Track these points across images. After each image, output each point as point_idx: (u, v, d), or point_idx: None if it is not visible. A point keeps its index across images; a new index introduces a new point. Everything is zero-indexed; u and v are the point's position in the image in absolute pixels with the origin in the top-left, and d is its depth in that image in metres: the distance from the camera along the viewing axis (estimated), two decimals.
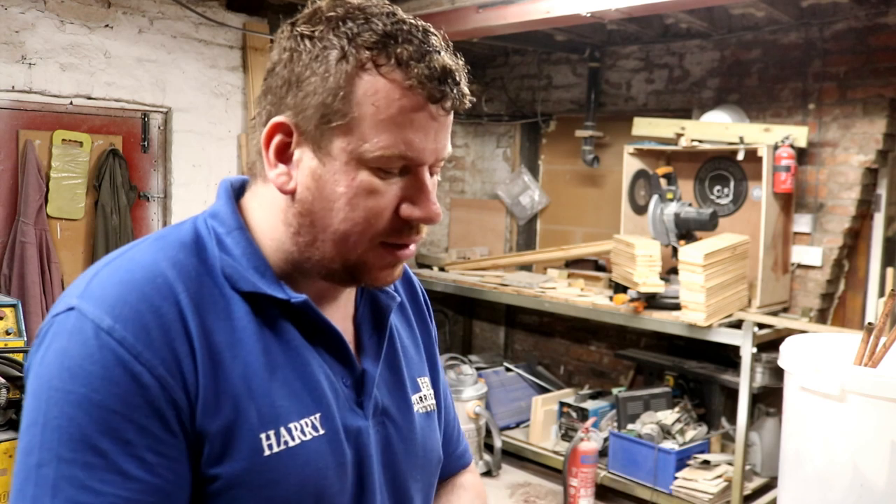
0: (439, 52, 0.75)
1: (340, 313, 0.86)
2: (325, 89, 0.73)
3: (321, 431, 0.77)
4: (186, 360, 0.71)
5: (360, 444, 0.82)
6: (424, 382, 0.95)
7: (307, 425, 0.76)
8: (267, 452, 0.73)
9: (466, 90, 0.78)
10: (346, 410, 0.81)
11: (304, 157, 0.76)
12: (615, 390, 4.08)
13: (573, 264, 4.59)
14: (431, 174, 0.79)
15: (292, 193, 0.77)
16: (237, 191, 0.84)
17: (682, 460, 3.53)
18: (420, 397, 0.93)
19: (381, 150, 0.73)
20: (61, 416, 0.67)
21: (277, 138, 0.77)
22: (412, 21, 0.76)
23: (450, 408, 1.07)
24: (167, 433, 0.69)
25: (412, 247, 0.80)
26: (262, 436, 0.73)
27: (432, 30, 0.77)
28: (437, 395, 0.98)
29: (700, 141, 3.77)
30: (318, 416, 0.78)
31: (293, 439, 0.75)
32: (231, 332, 0.75)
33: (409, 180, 0.77)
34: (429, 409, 0.94)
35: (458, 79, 0.76)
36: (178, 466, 0.70)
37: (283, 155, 0.77)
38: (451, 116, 0.78)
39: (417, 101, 0.73)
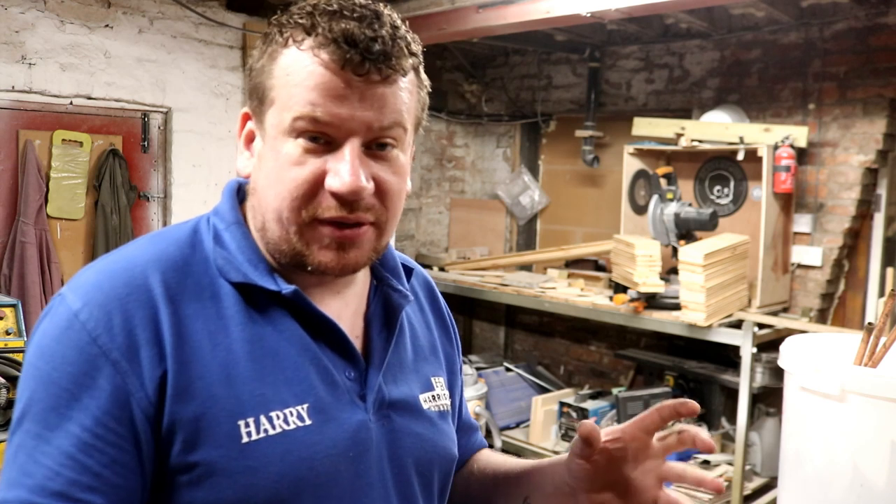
0: (357, 20, 0.74)
1: (348, 308, 0.87)
2: (256, 71, 0.80)
3: (308, 422, 0.77)
4: (147, 346, 0.73)
5: (359, 437, 0.81)
6: (439, 382, 0.95)
7: (292, 414, 0.76)
8: (245, 440, 0.73)
9: (398, 56, 0.75)
10: (345, 403, 0.81)
11: (258, 141, 0.81)
12: (615, 390, 4.08)
13: (573, 264, 4.59)
14: (383, 147, 0.77)
15: (249, 177, 0.83)
16: (245, 192, 0.87)
17: (681, 460, 3.53)
18: (433, 396, 0.92)
19: (294, 111, 0.75)
20: (28, 389, 0.73)
21: (247, 127, 0.83)
22: (353, 1, 0.77)
23: (465, 407, 1.09)
24: (109, 417, 0.71)
25: (362, 228, 0.78)
26: (241, 423, 0.74)
27: (371, 6, 0.77)
28: (452, 398, 0.98)
29: (700, 141, 3.77)
30: (305, 406, 0.78)
31: (273, 428, 0.75)
32: (215, 321, 0.76)
33: (335, 152, 0.76)
34: (442, 409, 0.93)
35: (380, 45, 0.74)
36: (115, 451, 0.71)
37: (252, 143, 0.83)
38: (391, 86, 0.76)
39: (328, 67, 0.74)
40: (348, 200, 0.76)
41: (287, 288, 0.79)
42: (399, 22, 0.78)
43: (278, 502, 0.74)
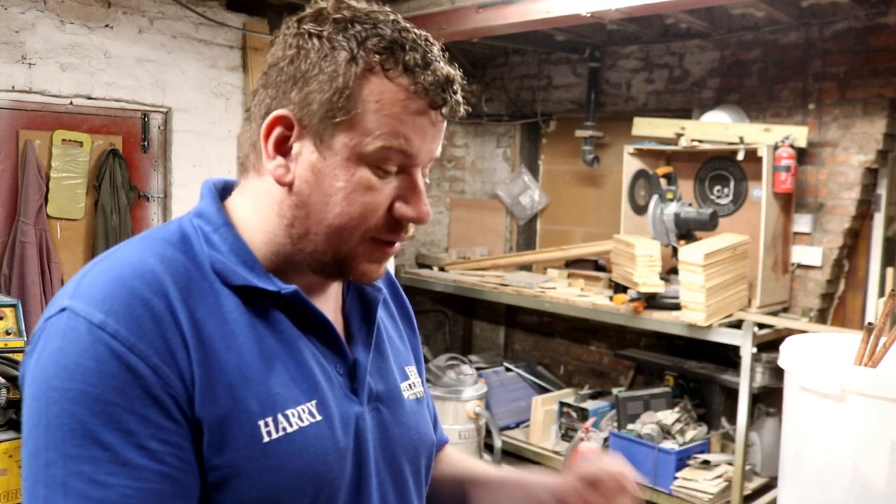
0: (440, 62, 0.79)
1: (330, 305, 0.89)
2: (333, 88, 0.76)
3: (318, 418, 0.79)
4: (179, 349, 0.72)
5: (359, 429, 0.84)
6: (412, 371, 0.99)
7: (304, 412, 0.78)
8: (266, 439, 0.74)
9: (461, 99, 0.81)
10: (341, 398, 0.83)
11: (303, 150, 0.78)
12: (615, 390, 4.08)
13: (573, 264, 4.59)
14: (423, 176, 0.83)
15: (289, 185, 0.79)
16: (220, 191, 0.86)
17: (682, 460, 3.53)
18: (409, 384, 0.96)
19: (381, 142, 0.76)
20: (62, 414, 0.68)
21: (277, 131, 0.78)
22: (415, 30, 0.79)
23: (429, 399, 1.12)
24: (169, 420, 0.70)
25: (398, 244, 0.84)
26: (261, 423, 0.74)
27: (432, 39, 0.81)
28: (423, 384, 1.02)
29: (700, 141, 3.77)
30: (314, 402, 0.79)
31: (291, 426, 0.76)
32: (223, 324, 0.76)
33: (404, 180, 0.80)
34: (418, 396, 0.97)
35: (456, 88, 0.80)
36: (183, 453, 0.71)
37: (282, 147, 0.79)
38: (445, 122, 0.82)
39: (420, 105, 0.77)
40: (411, 225, 0.82)
41: (286, 288, 0.80)
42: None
43: (299, 499, 0.76)
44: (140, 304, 0.72)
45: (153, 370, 0.70)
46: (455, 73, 0.79)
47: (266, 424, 0.75)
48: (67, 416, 0.68)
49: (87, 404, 0.68)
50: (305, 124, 0.77)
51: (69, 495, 0.67)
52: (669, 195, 3.72)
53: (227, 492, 0.73)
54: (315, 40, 0.76)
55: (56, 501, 0.67)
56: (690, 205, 3.76)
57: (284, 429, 0.76)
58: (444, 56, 0.80)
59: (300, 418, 0.77)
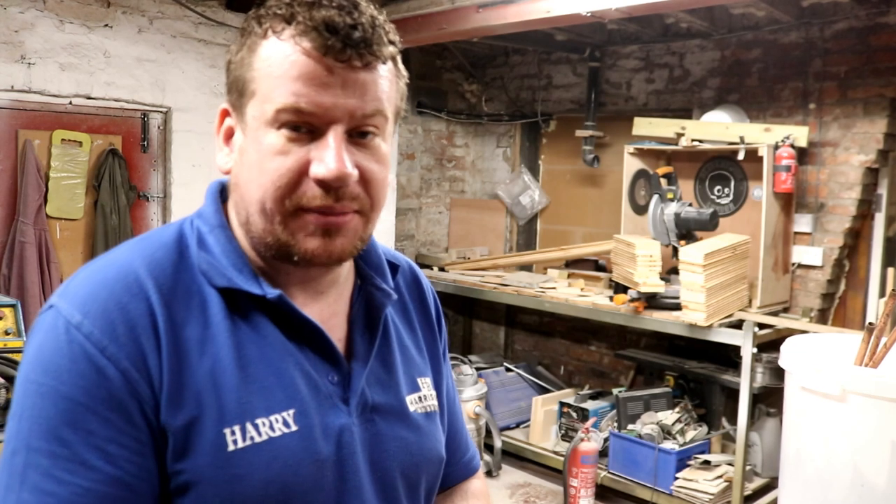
0: (337, 8, 0.73)
1: (331, 310, 0.86)
2: (235, 64, 0.78)
3: (294, 428, 0.77)
4: (152, 354, 0.72)
5: (343, 441, 0.80)
6: (425, 383, 0.94)
7: (277, 421, 0.76)
8: (231, 448, 0.73)
9: (378, 43, 0.75)
10: (327, 407, 0.80)
11: (239, 135, 0.80)
12: (615, 390, 4.08)
13: (573, 264, 4.59)
14: (364, 135, 0.77)
15: (229, 173, 0.81)
16: (227, 192, 0.86)
17: (682, 460, 3.53)
18: (419, 397, 0.91)
19: (277, 104, 0.74)
20: (33, 407, 0.70)
21: (226, 124, 0.82)
22: None
23: (457, 414, 1.06)
24: (130, 425, 0.70)
25: (347, 216, 0.77)
26: (227, 431, 0.73)
27: None
28: (439, 397, 0.96)
29: (700, 141, 3.77)
30: (291, 412, 0.77)
31: (259, 435, 0.75)
32: (204, 328, 0.76)
33: (318, 140, 0.75)
34: (429, 410, 0.92)
35: (360, 32, 0.73)
36: (141, 459, 0.71)
37: (231, 139, 0.82)
38: (371, 73, 0.76)
39: (309, 55, 0.73)
40: (333, 188, 0.75)
41: (272, 293, 0.78)
42: (376, 12, 0.77)
43: None
44: (117, 307, 0.72)
45: (122, 373, 0.70)
46: (350, 17, 0.73)
47: (232, 433, 0.73)
48: (37, 410, 0.70)
49: (54, 401, 0.69)
50: (234, 108, 0.80)
51: (25, 485, 0.68)
52: (670, 195, 3.72)
53: (191, 498, 0.72)
54: (239, 33, 0.80)
55: (13, 489, 0.69)
56: (691, 205, 3.76)
57: (252, 438, 0.74)
58: (356, 7, 0.74)
59: (271, 428, 0.75)
